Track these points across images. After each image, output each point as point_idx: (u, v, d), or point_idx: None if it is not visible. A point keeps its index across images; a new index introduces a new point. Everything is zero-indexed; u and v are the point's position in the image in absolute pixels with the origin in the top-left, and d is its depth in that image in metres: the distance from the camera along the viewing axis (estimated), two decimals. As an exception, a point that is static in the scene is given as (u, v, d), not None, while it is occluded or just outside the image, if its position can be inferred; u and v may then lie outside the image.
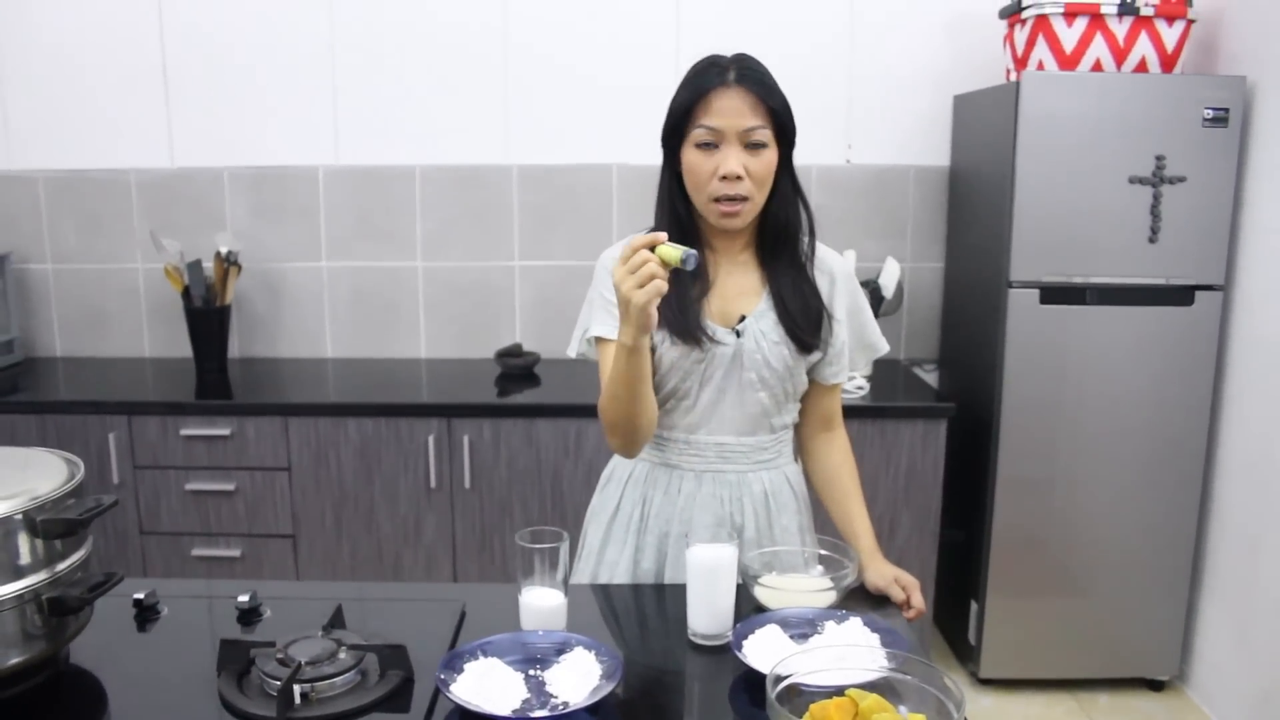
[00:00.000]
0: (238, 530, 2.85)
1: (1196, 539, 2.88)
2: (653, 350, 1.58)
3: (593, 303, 1.64)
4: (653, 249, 1.33)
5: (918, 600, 1.54)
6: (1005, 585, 2.89)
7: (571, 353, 1.71)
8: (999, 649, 2.94)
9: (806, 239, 1.62)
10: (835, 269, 1.66)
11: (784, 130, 1.52)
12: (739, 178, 1.49)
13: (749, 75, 1.49)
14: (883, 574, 1.57)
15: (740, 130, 1.48)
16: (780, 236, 1.60)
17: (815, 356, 1.64)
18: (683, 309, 1.55)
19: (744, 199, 1.51)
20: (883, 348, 1.77)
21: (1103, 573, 2.89)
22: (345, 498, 2.82)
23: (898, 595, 1.54)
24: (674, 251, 1.31)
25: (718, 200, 1.51)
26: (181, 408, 2.82)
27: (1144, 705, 2.93)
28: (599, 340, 1.62)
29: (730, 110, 1.48)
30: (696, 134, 1.49)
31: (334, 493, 2.82)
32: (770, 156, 1.51)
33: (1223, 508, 2.83)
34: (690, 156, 1.51)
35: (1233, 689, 2.79)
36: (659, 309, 1.50)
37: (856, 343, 1.72)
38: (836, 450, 1.76)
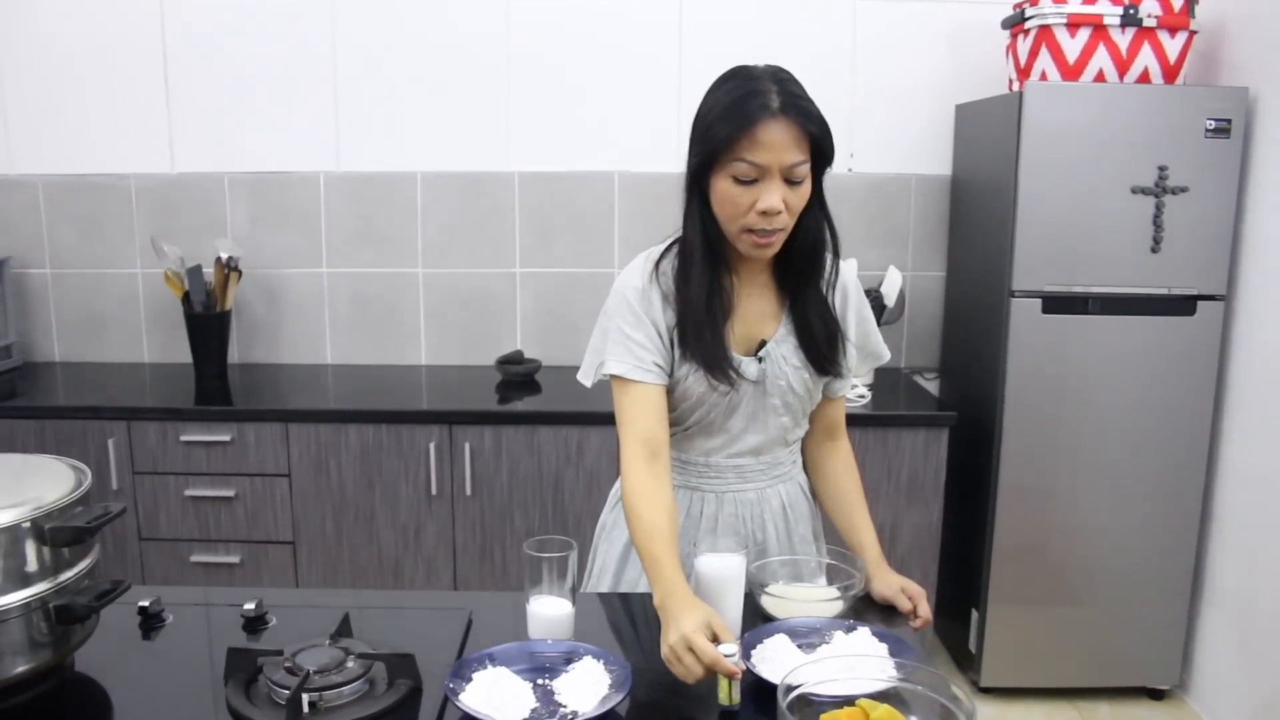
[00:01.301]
0: (237, 536, 2.84)
1: (1198, 548, 2.88)
2: (675, 386, 1.55)
3: (608, 333, 1.56)
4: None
5: (924, 610, 1.53)
6: (1006, 594, 2.89)
7: (587, 382, 1.63)
8: (1000, 657, 2.94)
9: (830, 259, 1.58)
10: (848, 283, 1.65)
11: (823, 155, 1.45)
12: (779, 212, 1.42)
13: (792, 104, 1.40)
14: (889, 583, 1.57)
15: (784, 165, 1.40)
16: (806, 259, 1.55)
17: (831, 379, 1.63)
18: (712, 345, 1.50)
19: (779, 230, 1.45)
20: (885, 355, 1.75)
21: (1104, 581, 2.89)
22: (345, 504, 2.82)
23: (904, 605, 1.53)
24: (724, 695, 1.24)
25: (752, 231, 1.45)
26: (181, 413, 2.81)
27: (1145, 714, 2.93)
28: (615, 376, 1.54)
29: (775, 145, 1.39)
30: (737, 168, 1.41)
31: (334, 499, 2.81)
32: (807, 189, 1.45)
33: (1224, 517, 2.83)
34: (726, 187, 1.43)
35: (1233, 698, 2.79)
36: (685, 342, 1.51)
37: (861, 351, 1.70)
38: (840, 459, 1.75)
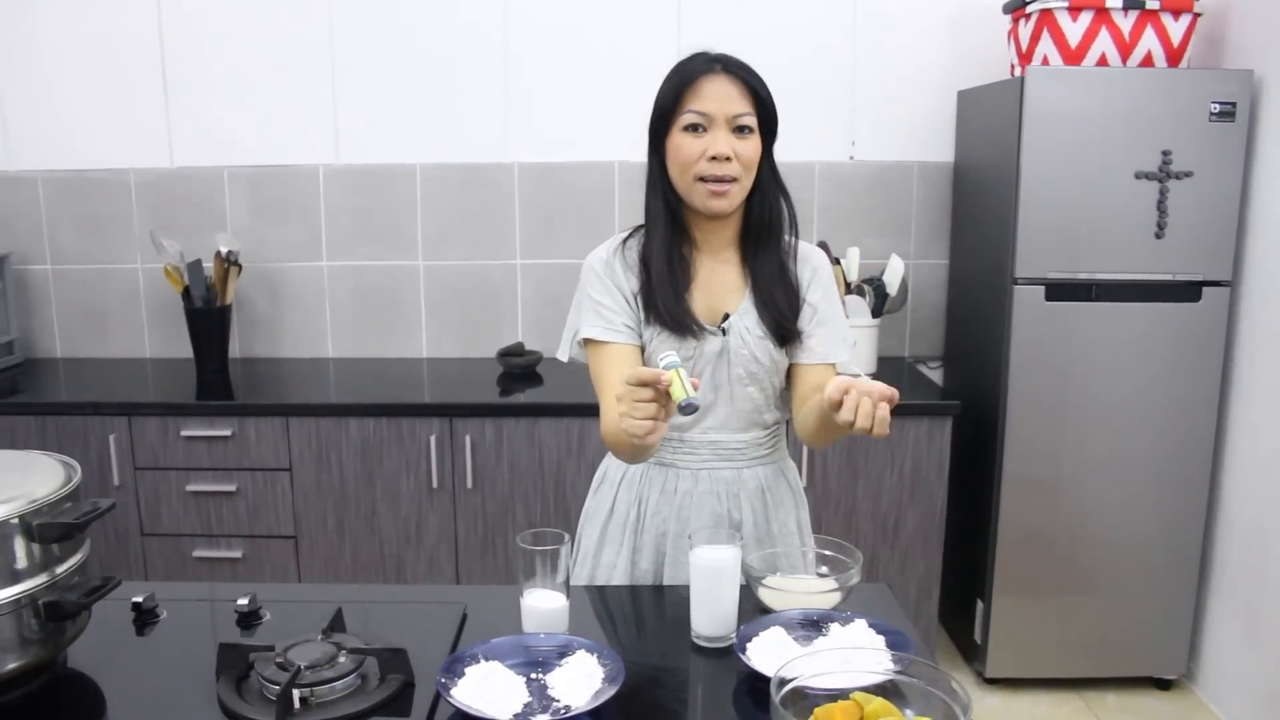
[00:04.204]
0: (239, 531, 2.84)
1: (1204, 537, 2.86)
2: (642, 349, 1.60)
3: (580, 305, 1.63)
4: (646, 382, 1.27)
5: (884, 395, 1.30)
6: (1011, 584, 2.88)
7: (563, 356, 1.69)
8: (1005, 648, 2.92)
9: (788, 234, 1.64)
10: (818, 264, 1.67)
11: (767, 121, 1.55)
12: (728, 159, 1.50)
13: (735, 65, 1.53)
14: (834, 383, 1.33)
15: (729, 115, 1.50)
16: (763, 230, 1.61)
17: (793, 348, 1.62)
18: (673, 304, 1.56)
19: (732, 179, 1.52)
20: (852, 337, 1.68)
21: (1110, 571, 2.87)
22: (347, 498, 2.81)
23: (871, 385, 1.30)
24: (679, 390, 1.25)
25: (705, 180, 1.52)
26: (182, 408, 2.81)
27: (1152, 704, 2.91)
28: (589, 342, 1.61)
29: (719, 95, 1.51)
30: (685, 118, 1.51)
31: (335, 493, 2.81)
32: (756, 142, 1.54)
33: (1231, 505, 2.81)
34: (678, 139, 1.53)
35: (1241, 688, 2.77)
36: (650, 304, 1.55)
37: (834, 334, 1.65)
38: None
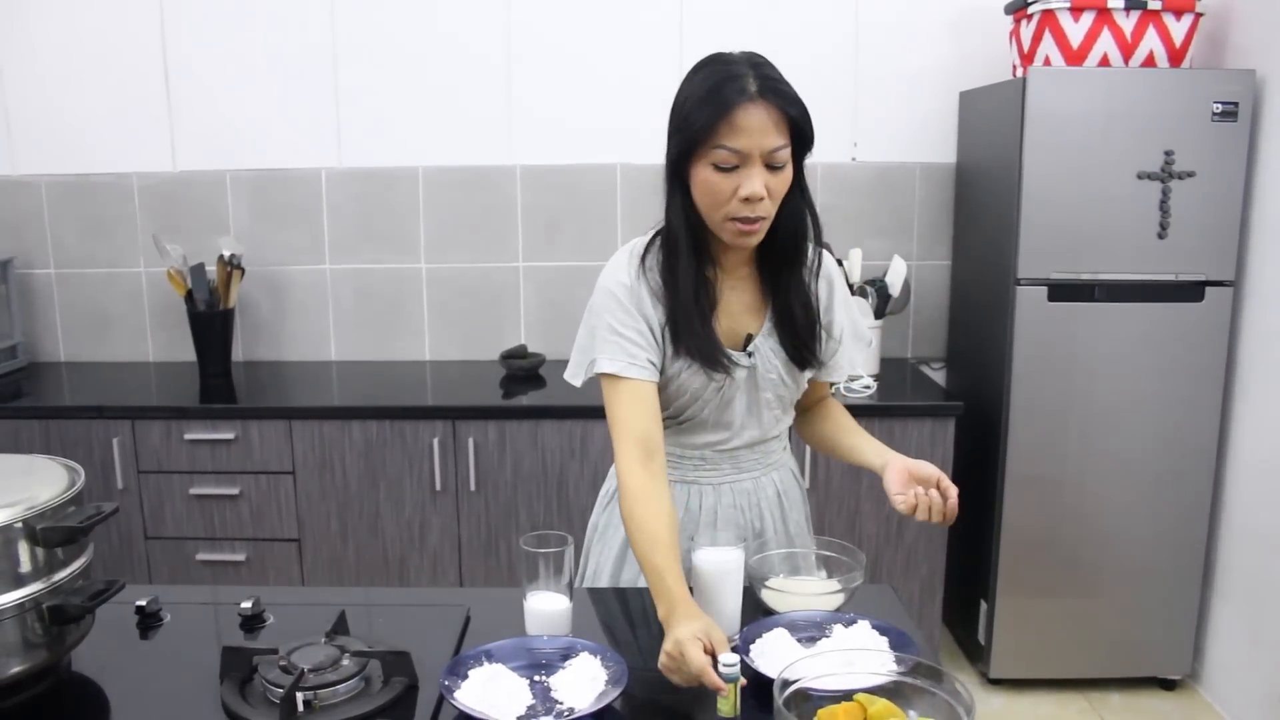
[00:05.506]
0: (242, 534, 2.84)
1: (1208, 537, 2.85)
2: (668, 383, 1.53)
3: (596, 331, 1.52)
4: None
5: (946, 485, 1.45)
6: (1015, 584, 2.87)
7: (575, 381, 1.59)
8: (1009, 649, 2.92)
9: (812, 247, 1.55)
10: (833, 275, 1.62)
11: (803, 139, 1.43)
12: (761, 199, 1.39)
13: (770, 87, 1.37)
14: (897, 472, 1.49)
15: (764, 150, 1.37)
16: (788, 249, 1.52)
17: (813, 371, 1.61)
18: (704, 337, 1.48)
19: (762, 218, 1.42)
20: (869, 335, 1.77)
21: (1113, 571, 2.86)
22: (350, 501, 2.81)
23: (908, 504, 1.44)
24: (727, 707, 1.19)
25: (735, 219, 1.42)
26: (185, 412, 2.81)
27: (1156, 704, 2.90)
28: (606, 374, 1.50)
29: (754, 129, 1.36)
30: (718, 155, 1.38)
31: (338, 496, 2.81)
32: (789, 174, 1.43)
33: (1234, 505, 2.81)
34: (707, 175, 1.40)
35: (1245, 688, 2.76)
36: (679, 337, 1.49)
37: (854, 340, 1.67)
38: (830, 406, 1.75)
